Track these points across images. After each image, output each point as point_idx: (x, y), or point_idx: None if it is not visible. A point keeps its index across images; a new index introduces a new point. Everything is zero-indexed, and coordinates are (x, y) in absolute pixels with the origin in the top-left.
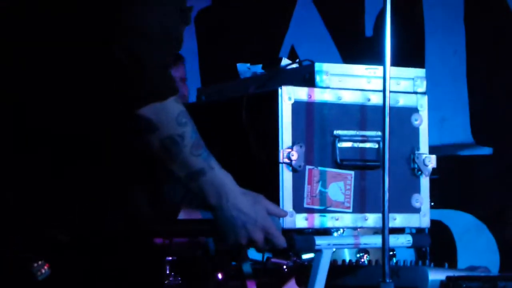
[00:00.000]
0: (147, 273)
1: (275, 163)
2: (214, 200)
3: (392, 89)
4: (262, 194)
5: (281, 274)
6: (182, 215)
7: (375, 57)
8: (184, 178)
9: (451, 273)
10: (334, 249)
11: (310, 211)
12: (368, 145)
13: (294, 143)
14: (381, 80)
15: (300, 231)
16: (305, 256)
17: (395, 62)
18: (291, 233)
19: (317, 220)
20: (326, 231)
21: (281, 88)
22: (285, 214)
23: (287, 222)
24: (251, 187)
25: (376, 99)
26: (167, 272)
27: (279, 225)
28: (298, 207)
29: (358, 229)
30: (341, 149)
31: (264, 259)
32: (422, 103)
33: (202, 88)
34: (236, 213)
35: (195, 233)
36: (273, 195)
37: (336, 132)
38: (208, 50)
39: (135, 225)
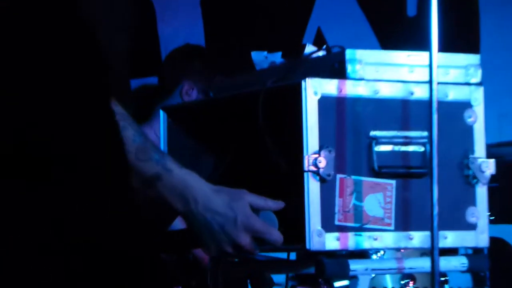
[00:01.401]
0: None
1: (299, 171)
2: (181, 205)
3: (440, 80)
4: (284, 209)
5: None
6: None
7: (419, 42)
8: (140, 189)
9: None
10: (372, 275)
11: (343, 229)
12: (412, 148)
13: (321, 147)
14: (427, 69)
15: (331, 253)
16: (338, 284)
17: (444, 47)
18: (320, 256)
19: (352, 240)
20: (362, 254)
21: (305, 81)
22: (277, 205)
23: (314, 243)
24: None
25: (420, 93)
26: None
27: (272, 220)
28: (328, 225)
29: (402, 251)
30: (379, 153)
31: (288, 287)
32: (477, 96)
33: (209, 83)
34: (210, 215)
35: (173, 248)
36: (297, 211)
37: (372, 133)
38: (216, 36)
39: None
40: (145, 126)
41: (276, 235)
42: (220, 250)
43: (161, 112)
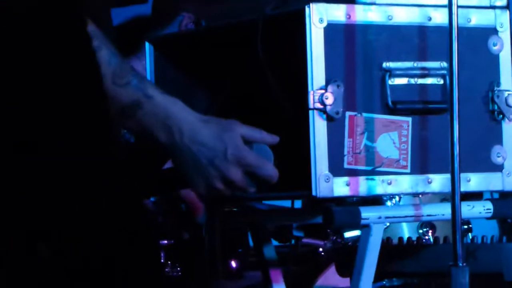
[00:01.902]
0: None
1: (303, 109)
2: (164, 136)
3: (461, 3)
4: (287, 151)
5: (316, 259)
6: None
7: None
8: (119, 119)
9: None
10: (387, 224)
11: (353, 173)
12: (430, 80)
13: (328, 81)
14: None
15: (340, 200)
16: (348, 234)
17: None
18: (328, 204)
19: (363, 186)
20: (375, 200)
21: (308, 6)
22: (272, 139)
23: (321, 189)
24: (274, 146)
25: (439, 18)
26: (162, 260)
27: (266, 154)
28: (337, 169)
29: (420, 196)
30: (394, 87)
31: (294, 240)
32: (503, 21)
33: (201, 9)
34: (197, 147)
35: (156, 190)
36: (301, 153)
37: (386, 64)
38: None
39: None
40: (133, 59)
41: (270, 170)
42: (210, 187)
43: (147, 44)
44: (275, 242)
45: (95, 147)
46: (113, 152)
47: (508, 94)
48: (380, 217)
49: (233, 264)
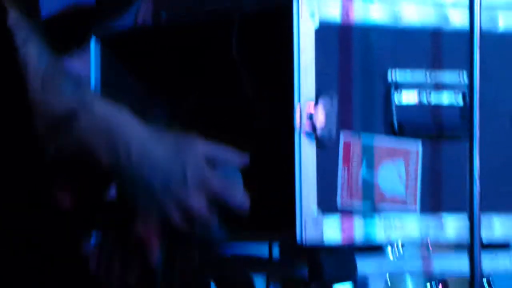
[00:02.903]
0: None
1: (288, 130)
2: (106, 156)
3: (486, 2)
4: (265, 180)
5: None
6: None
7: None
8: (50, 133)
9: None
10: (387, 278)
11: (348, 213)
12: (445, 97)
13: (319, 94)
14: None
15: (331, 248)
16: None
17: None
18: (316, 251)
19: (359, 229)
20: (374, 247)
21: (297, 0)
22: (240, 159)
23: (308, 233)
24: (247, 172)
25: (459, 19)
26: None
27: (235, 177)
28: (328, 206)
29: (430, 244)
30: (401, 104)
31: None
32: None
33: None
34: (149, 170)
35: (99, 225)
36: (283, 185)
37: (392, 75)
38: None
39: None
40: (75, 58)
41: (240, 197)
42: (164, 219)
43: (93, 40)
44: None
45: (14, 171)
46: (38, 179)
47: None
48: (380, 270)
49: None
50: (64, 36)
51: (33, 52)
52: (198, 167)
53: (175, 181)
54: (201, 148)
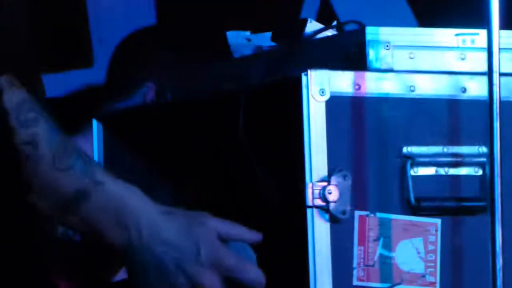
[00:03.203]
0: None
1: (299, 207)
2: (117, 236)
3: (504, 70)
4: (276, 260)
5: None
6: None
7: (472, 15)
8: (57, 213)
9: None
10: None
11: None
12: (464, 171)
13: (332, 171)
14: (484, 54)
15: None
16: None
17: (508, 23)
18: None
19: None
20: None
21: (306, 74)
22: (254, 236)
23: None
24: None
25: (476, 89)
26: None
27: (247, 254)
28: (343, 287)
29: None
30: (417, 179)
31: None
32: None
33: (165, 77)
34: (161, 248)
35: None
36: (296, 264)
37: (407, 149)
38: (174, 8)
39: None
40: (79, 138)
41: (254, 274)
42: None
43: (94, 122)
44: None
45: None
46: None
47: None
48: None
49: None
50: (72, 116)
51: (43, 131)
52: (211, 245)
53: (188, 259)
54: (213, 225)
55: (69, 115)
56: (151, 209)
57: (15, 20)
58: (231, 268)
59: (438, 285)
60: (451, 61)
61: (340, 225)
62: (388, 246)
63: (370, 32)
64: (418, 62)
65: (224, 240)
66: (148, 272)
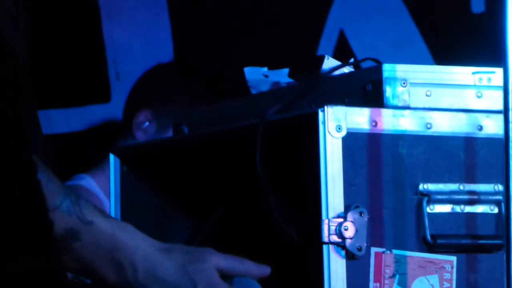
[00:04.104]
0: None
1: (315, 243)
2: (112, 274)
3: None
4: None
5: None
6: None
7: (488, 52)
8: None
9: None
10: None
11: None
12: (480, 209)
13: (348, 207)
14: (500, 93)
15: None
16: None
17: None
18: None
19: None
20: None
21: (323, 110)
22: (261, 270)
23: None
24: (272, 285)
25: (493, 127)
26: None
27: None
28: None
29: None
30: (434, 216)
31: None
32: None
33: (182, 112)
34: (157, 287)
35: None
36: None
37: (423, 186)
38: (191, 44)
39: None
40: (96, 172)
41: None
42: None
43: (112, 157)
44: None
45: None
46: None
47: None
48: None
49: None
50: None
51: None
52: (209, 283)
53: None
54: (214, 262)
55: (86, 150)
56: (146, 246)
57: (16, 46)
58: None
59: None
60: (468, 99)
61: (356, 262)
62: (403, 283)
63: (387, 69)
64: (435, 99)
65: (228, 276)
66: None
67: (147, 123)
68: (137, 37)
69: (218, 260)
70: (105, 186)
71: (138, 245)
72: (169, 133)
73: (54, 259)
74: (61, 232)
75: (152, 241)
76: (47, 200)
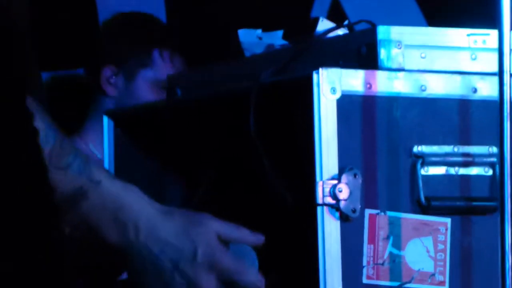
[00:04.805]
0: None
1: (309, 205)
2: (115, 234)
3: None
4: (286, 259)
5: None
6: None
7: (483, 15)
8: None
9: None
10: None
11: None
12: (475, 170)
13: (342, 169)
14: (495, 55)
15: None
16: None
17: None
18: None
19: None
20: None
21: (317, 72)
22: (254, 238)
23: None
24: (265, 248)
25: (487, 89)
26: None
27: (249, 256)
28: (353, 285)
29: None
30: (428, 178)
31: None
32: None
33: (175, 75)
34: (159, 248)
35: None
36: (306, 262)
37: (417, 148)
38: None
39: None
40: (75, 138)
41: (252, 277)
42: None
43: (105, 119)
44: None
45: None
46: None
47: None
48: None
49: None
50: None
51: (40, 129)
52: (209, 245)
53: (185, 259)
54: (213, 226)
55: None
56: (150, 208)
57: (18, 17)
58: (229, 270)
59: (447, 284)
60: (463, 61)
61: (350, 224)
62: (397, 244)
63: (382, 31)
64: (429, 61)
65: (225, 242)
66: (145, 271)
67: (114, 77)
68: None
69: (216, 225)
70: (86, 152)
71: (143, 206)
72: (139, 82)
73: (56, 223)
74: (70, 191)
75: (155, 204)
76: (59, 158)
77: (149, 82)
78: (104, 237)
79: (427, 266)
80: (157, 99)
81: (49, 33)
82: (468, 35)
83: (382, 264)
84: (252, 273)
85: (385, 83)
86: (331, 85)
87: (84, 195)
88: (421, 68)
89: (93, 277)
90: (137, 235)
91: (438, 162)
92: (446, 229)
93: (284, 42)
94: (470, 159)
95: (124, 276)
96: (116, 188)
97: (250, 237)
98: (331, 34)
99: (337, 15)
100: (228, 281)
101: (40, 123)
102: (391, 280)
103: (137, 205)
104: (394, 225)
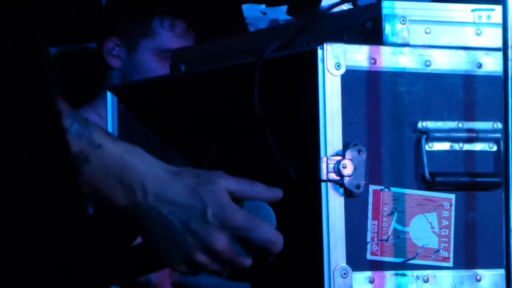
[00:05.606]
0: None
1: (313, 180)
2: (122, 198)
3: None
4: (290, 234)
5: None
6: None
7: None
8: None
9: None
10: None
11: (378, 266)
12: (479, 146)
13: (347, 145)
14: (500, 30)
15: None
16: None
17: None
18: None
19: (391, 283)
20: None
21: (322, 47)
22: (273, 193)
23: (337, 286)
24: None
25: (491, 65)
26: None
27: (265, 212)
28: (357, 261)
29: None
30: (432, 154)
31: None
32: None
33: (179, 50)
34: (168, 208)
35: (121, 276)
36: (310, 238)
37: (422, 124)
38: None
39: None
40: (87, 108)
41: (268, 234)
42: (189, 261)
43: (109, 95)
44: None
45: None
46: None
47: None
48: None
49: None
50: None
51: None
52: (219, 203)
53: (195, 219)
54: (224, 184)
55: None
56: (156, 169)
57: None
58: (242, 227)
59: (451, 260)
60: (467, 37)
61: (354, 200)
62: (402, 220)
63: (386, 6)
64: (434, 37)
65: (239, 200)
66: (156, 232)
67: (116, 49)
68: None
69: (228, 182)
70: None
71: (148, 167)
72: (141, 53)
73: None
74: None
75: (162, 164)
76: None
77: (152, 51)
78: (112, 202)
79: (432, 242)
80: (161, 69)
81: (52, 9)
82: (472, 10)
83: (386, 240)
84: (267, 230)
85: (390, 59)
86: (336, 60)
87: (85, 160)
88: (426, 43)
89: (106, 245)
90: (145, 197)
91: (442, 138)
92: (451, 205)
93: (288, 17)
94: (474, 135)
95: (138, 240)
96: (118, 150)
97: (266, 193)
98: (336, 9)
99: None
100: (244, 239)
101: None
102: (395, 256)
103: (142, 166)
104: (398, 201)
